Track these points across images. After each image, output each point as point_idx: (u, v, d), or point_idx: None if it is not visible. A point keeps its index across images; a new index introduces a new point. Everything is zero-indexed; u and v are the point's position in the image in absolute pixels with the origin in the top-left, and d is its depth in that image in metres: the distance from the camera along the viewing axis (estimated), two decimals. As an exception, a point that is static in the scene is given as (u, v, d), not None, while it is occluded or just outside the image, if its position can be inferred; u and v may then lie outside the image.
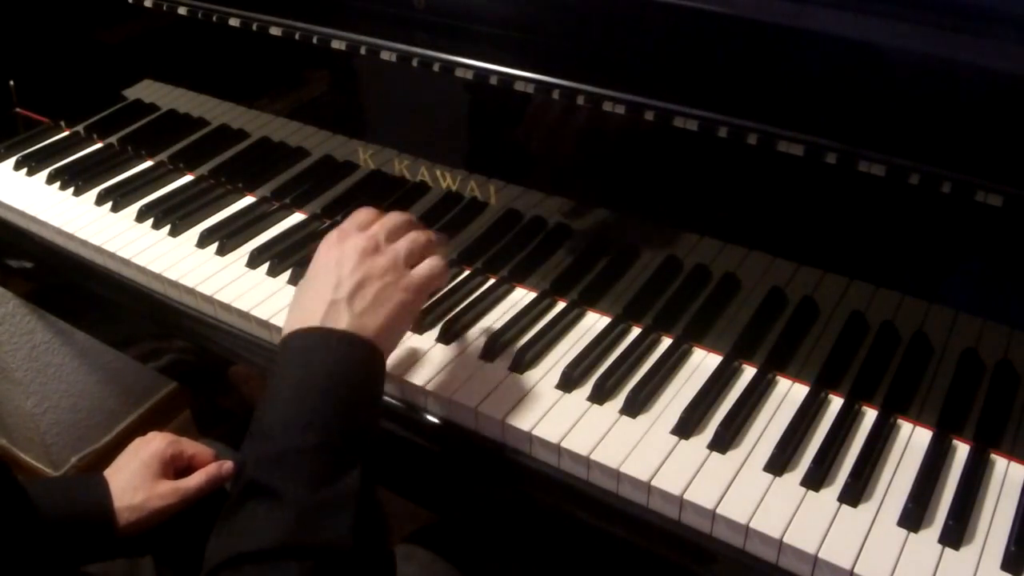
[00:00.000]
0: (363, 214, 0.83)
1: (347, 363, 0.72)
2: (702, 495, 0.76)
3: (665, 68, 0.86)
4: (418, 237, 0.81)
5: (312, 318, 0.74)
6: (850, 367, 0.86)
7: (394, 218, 0.83)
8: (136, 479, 0.93)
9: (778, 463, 0.80)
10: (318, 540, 0.65)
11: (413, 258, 0.80)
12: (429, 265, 0.80)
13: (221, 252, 1.08)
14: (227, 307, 1.00)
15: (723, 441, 0.81)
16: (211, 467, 0.97)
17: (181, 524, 0.97)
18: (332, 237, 0.81)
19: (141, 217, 1.15)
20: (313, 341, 0.73)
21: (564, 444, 0.81)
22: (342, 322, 0.74)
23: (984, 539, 0.74)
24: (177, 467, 0.97)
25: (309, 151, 1.12)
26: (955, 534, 0.74)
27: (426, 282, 0.80)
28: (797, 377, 0.89)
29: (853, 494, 0.77)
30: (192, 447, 0.99)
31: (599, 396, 0.86)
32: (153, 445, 0.96)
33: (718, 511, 0.75)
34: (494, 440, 0.85)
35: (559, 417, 0.84)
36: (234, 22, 1.06)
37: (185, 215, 1.14)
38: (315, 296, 0.76)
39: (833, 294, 0.84)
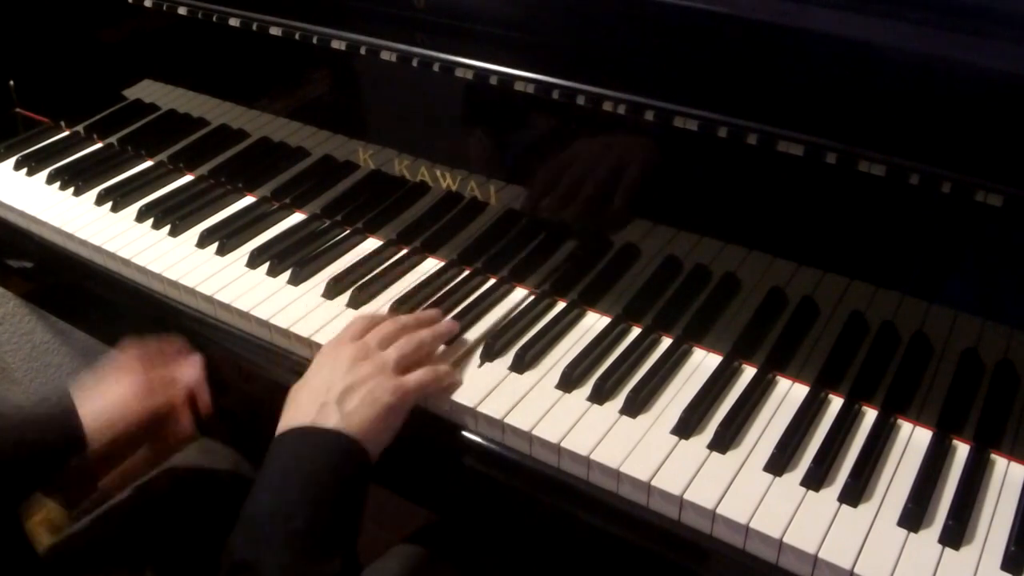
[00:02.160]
0: (358, 324, 0.89)
1: (334, 460, 0.76)
2: (702, 495, 0.76)
3: (665, 68, 0.86)
4: (407, 344, 0.86)
5: (305, 418, 0.79)
6: (850, 367, 0.86)
7: (386, 327, 0.88)
8: (113, 411, 0.91)
9: (778, 463, 0.80)
10: None
11: (404, 363, 0.85)
12: (421, 374, 0.85)
13: (221, 252, 1.08)
14: (227, 307, 1.00)
15: (723, 441, 0.81)
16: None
17: (180, 535, 0.97)
18: (327, 346, 0.87)
19: (141, 217, 1.15)
20: (303, 437, 0.78)
21: (564, 444, 0.81)
22: (331, 421, 0.78)
23: (984, 539, 0.74)
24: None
25: (309, 151, 1.12)
26: (955, 534, 0.74)
27: (415, 388, 0.84)
28: (797, 377, 0.89)
29: (853, 494, 0.77)
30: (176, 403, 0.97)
31: (599, 396, 0.86)
32: (146, 404, 0.93)
33: (718, 511, 0.75)
34: (494, 440, 0.85)
35: (559, 417, 0.84)
36: (234, 22, 1.06)
37: (185, 215, 1.14)
38: (308, 398, 0.81)
39: (833, 294, 0.84)
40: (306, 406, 0.79)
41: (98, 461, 0.92)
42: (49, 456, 0.89)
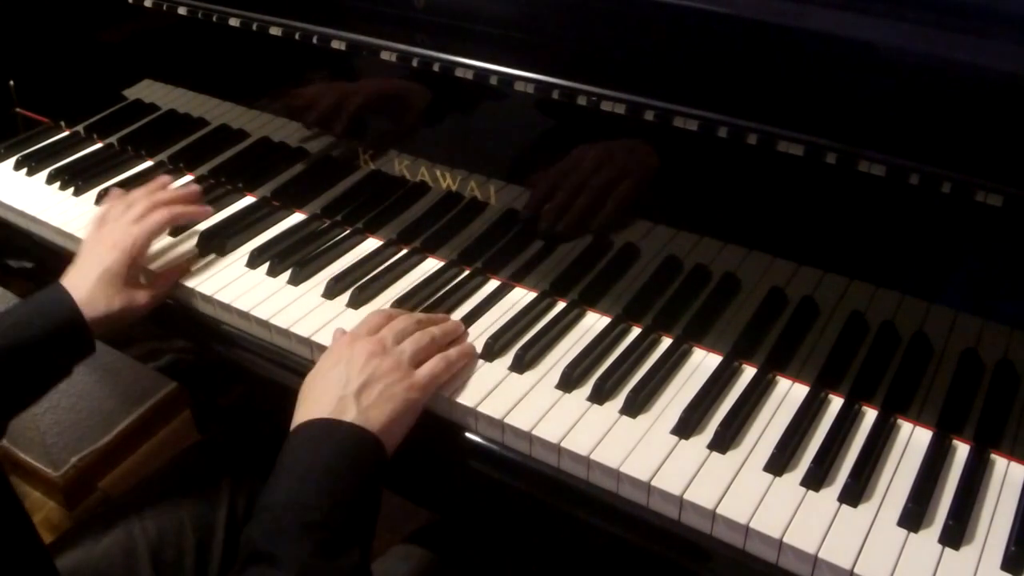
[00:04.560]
0: (374, 318, 0.91)
1: (352, 452, 0.77)
2: (702, 495, 0.76)
3: (665, 68, 0.86)
4: (422, 338, 0.88)
5: (322, 411, 0.79)
6: (850, 367, 0.86)
7: (402, 322, 0.89)
8: (109, 287, 0.95)
9: (778, 463, 0.80)
10: None
11: (418, 357, 0.86)
12: (432, 365, 0.86)
13: (221, 252, 1.08)
14: (227, 307, 1.00)
15: (723, 441, 0.81)
16: (174, 272, 1.03)
17: (180, 535, 0.97)
18: (344, 339, 0.87)
19: (141, 217, 1.15)
20: (321, 430, 0.78)
21: (564, 444, 0.81)
22: (349, 415, 0.78)
23: (984, 539, 0.74)
24: (142, 255, 1.00)
25: (309, 151, 1.12)
26: (955, 534, 0.74)
27: (429, 381, 0.85)
28: (797, 377, 0.89)
29: (853, 494, 0.77)
30: (148, 232, 1.00)
31: (599, 396, 0.86)
32: (117, 252, 0.97)
33: (718, 511, 0.75)
34: (494, 440, 0.85)
35: (559, 417, 0.84)
36: (234, 22, 1.06)
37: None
38: (325, 391, 0.81)
39: (833, 294, 0.84)
40: (324, 399, 0.80)
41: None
42: (58, 344, 0.91)
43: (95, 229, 1.02)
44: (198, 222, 1.10)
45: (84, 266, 0.96)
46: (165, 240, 1.11)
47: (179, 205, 1.05)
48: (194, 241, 1.09)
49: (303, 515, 0.72)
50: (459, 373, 0.89)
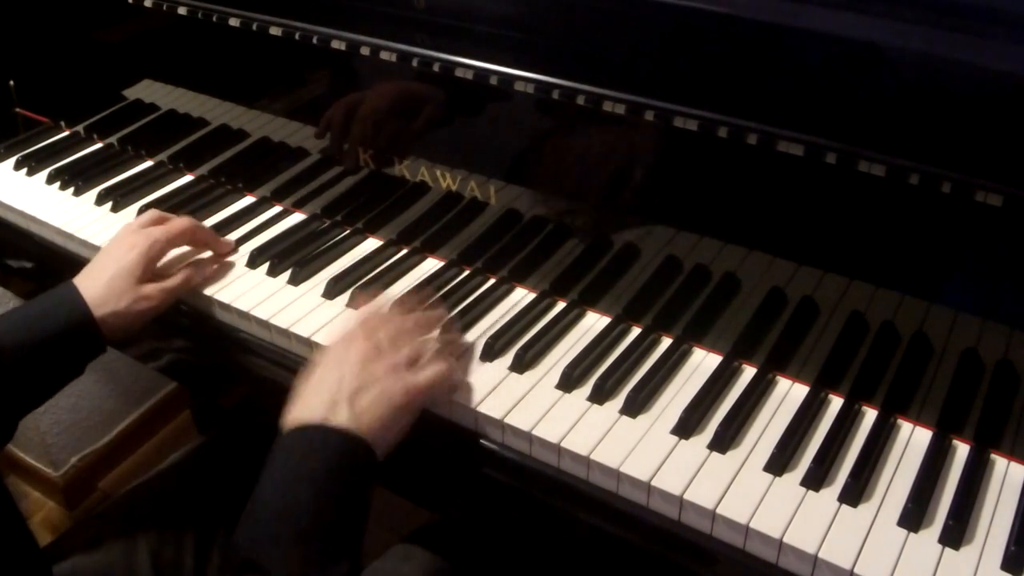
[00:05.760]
0: (370, 321, 0.88)
1: (343, 461, 0.76)
2: (702, 495, 0.76)
3: (665, 68, 0.86)
4: (420, 344, 0.87)
5: (314, 413, 0.78)
6: (850, 367, 0.86)
7: (398, 323, 0.88)
8: (120, 284, 0.94)
9: (778, 463, 0.80)
10: None
11: (414, 360, 0.84)
12: (432, 370, 0.84)
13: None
14: (227, 307, 1.00)
15: (723, 441, 0.81)
16: (190, 267, 1.02)
17: (180, 535, 0.97)
18: (339, 342, 0.85)
19: (141, 217, 1.15)
20: (313, 436, 0.77)
21: (564, 444, 0.81)
22: (341, 418, 0.77)
23: (984, 539, 0.74)
24: (159, 259, 0.99)
25: (309, 151, 1.12)
26: (955, 534, 0.74)
27: (426, 386, 0.83)
28: (797, 377, 0.89)
29: (853, 494, 0.77)
30: (168, 236, 1.00)
31: (599, 396, 0.86)
32: (135, 253, 0.96)
33: (718, 511, 0.75)
34: (494, 440, 0.85)
35: (559, 417, 0.84)
36: (234, 22, 1.06)
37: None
38: (317, 393, 0.80)
39: (833, 294, 0.84)
40: (316, 402, 0.79)
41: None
42: (67, 342, 0.91)
43: (117, 233, 1.01)
44: (217, 248, 1.07)
45: (98, 266, 0.96)
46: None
47: (203, 228, 1.06)
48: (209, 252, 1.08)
49: (294, 523, 0.71)
50: (461, 372, 0.89)
